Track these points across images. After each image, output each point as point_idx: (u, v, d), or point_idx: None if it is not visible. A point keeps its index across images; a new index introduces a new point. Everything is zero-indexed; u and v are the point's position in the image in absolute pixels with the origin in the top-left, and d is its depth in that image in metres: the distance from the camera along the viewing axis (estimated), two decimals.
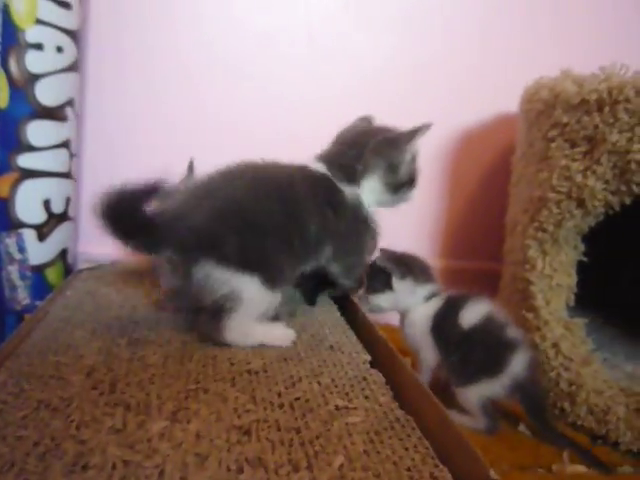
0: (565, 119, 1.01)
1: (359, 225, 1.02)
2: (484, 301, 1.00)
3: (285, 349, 0.91)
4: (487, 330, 0.97)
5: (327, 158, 1.03)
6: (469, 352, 0.96)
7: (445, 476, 0.62)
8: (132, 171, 0.78)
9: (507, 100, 1.37)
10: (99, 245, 1.32)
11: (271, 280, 0.90)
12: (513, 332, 0.97)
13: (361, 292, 1.07)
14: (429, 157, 1.52)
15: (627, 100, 0.91)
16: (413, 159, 1.03)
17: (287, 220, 0.94)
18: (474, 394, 0.95)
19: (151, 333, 0.92)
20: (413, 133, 0.99)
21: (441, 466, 0.63)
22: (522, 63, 1.44)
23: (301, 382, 0.80)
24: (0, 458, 0.57)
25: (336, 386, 0.80)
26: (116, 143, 1.37)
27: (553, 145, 1.04)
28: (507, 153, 1.38)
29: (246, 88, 1.42)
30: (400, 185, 1.02)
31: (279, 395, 0.76)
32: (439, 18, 1.49)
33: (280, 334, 0.95)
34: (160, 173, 0.81)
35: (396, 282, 1.01)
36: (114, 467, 0.58)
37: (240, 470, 0.59)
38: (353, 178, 1.01)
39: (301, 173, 0.99)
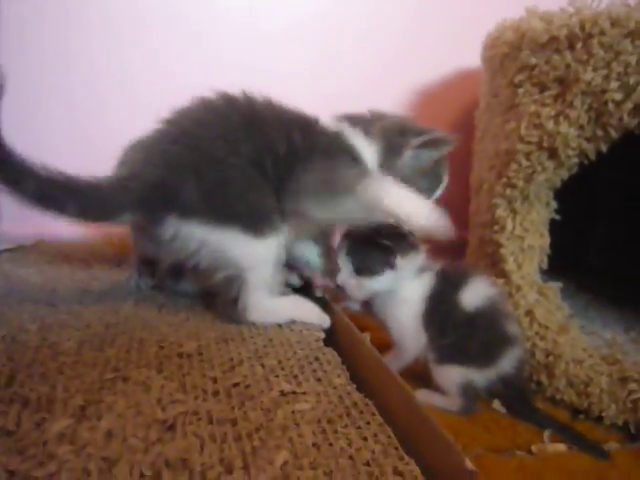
0: (533, 60, 0.91)
1: (338, 155, 0.86)
2: (485, 280, 0.90)
3: (226, 329, 0.80)
4: (489, 318, 0.87)
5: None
6: (465, 335, 0.86)
7: (412, 469, 0.51)
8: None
9: (466, 54, 1.27)
10: (22, 225, 1.19)
11: (254, 224, 0.78)
12: (513, 326, 0.88)
13: (337, 279, 0.89)
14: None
15: (602, 33, 0.81)
16: (417, 166, 0.89)
17: (252, 147, 0.80)
18: (457, 375, 0.86)
19: (70, 317, 0.80)
20: (430, 142, 0.87)
21: (407, 458, 0.53)
22: (480, 13, 1.33)
23: (242, 365, 0.69)
24: None
25: (282, 368, 0.69)
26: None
27: (520, 91, 0.93)
28: (469, 111, 1.28)
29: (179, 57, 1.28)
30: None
31: (214, 381, 0.65)
32: None
33: (312, 309, 0.86)
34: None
35: (401, 259, 0.86)
36: None
37: (157, 476, 0.48)
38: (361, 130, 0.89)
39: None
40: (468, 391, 0.86)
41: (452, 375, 0.86)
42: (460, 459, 0.50)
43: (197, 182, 0.76)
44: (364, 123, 0.89)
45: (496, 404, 0.89)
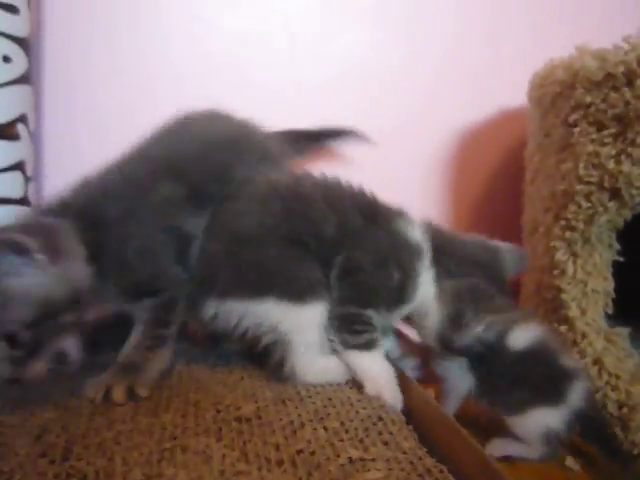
0: (588, 99, 0.88)
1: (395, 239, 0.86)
2: (532, 320, 0.86)
3: (282, 388, 0.77)
4: (542, 355, 0.83)
5: None
6: (520, 377, 0.81)
7: None
8: None
9: (508, 95, 1.26)
10: None
11: (290, 292, 0.79)
12: (570, 360, 0.84)
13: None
14: (427, 162, 1.39)
15: None
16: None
17: (291, 228, 0.83)
18: (534, 421, 0.81)
19: None
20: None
21: None
22: (523, 55, 1.31)
23: (303, 429, 0.65)
24: None
25: (347, 431, 0.66)
26: (81, 163, 1.23)
27: (576, 130, 0.90)
28: (514, 151, 1.26)
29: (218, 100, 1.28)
30: None
31: (277, 448, 0.61)
32: (427, 10, 1.37)
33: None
34: None
35: None
36: None
37: None
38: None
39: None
40: (549, 436, 0.81)
41: (532, 423, 0.81)
42: None
43: (232, 267, 0.80)
44: (440, 259, 0.88)
45: (569, 461, 0.84)
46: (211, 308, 0.80)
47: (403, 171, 1.35)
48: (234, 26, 1.27)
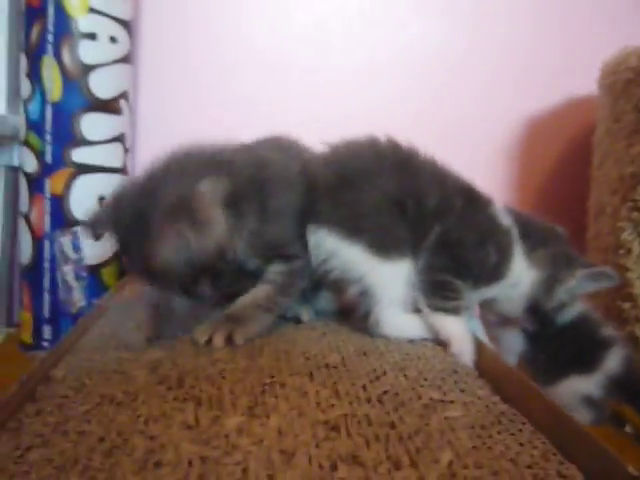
0: None
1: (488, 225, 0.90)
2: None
3: (363, 343, 0.83)
4: (581, 327, 0.90)
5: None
6: (558, 349, 0.88)
7: (574, 474, 0.52)
8: None
9: (574, 83, 1.29)
10: None
11: (379, 244, 0.83)
12: (607, 330, 0.90)
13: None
14: (495, 148, 1.44)
15: None
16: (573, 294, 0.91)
17: (396, 186, 0.86)
18: (570, 389, 0.87)
19: None
20: (596, 275, 0.90)
21: (567, 463, 0.54)
22: (591, 44, 1.34)
23: (386, 375, 0.72)
24: (62, 454, 0.50)
25: (425, 379, 0.72)
26: (171, 138, 1.32)
27: None
28: (580, 138, 1.29)
29: (297, 80, 1.35)
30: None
31: (364, 389, 0.68)
32: (503, 4, 1.41)
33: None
34: None
35: None
36: (190, 464, 0.50)
37: (334, 467, 0.51)
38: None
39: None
40: (590, 401, 0.86)
41: (566, 391, 0.87)
42: (620, 465, 0.51)
43: (332, 197, 0.85)
44: (527, 234, 0.92)
45: (628, 428, 0.88)
46: (309, 233, 0.85)
47: (469, 157, 1.40)
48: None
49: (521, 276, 0.90)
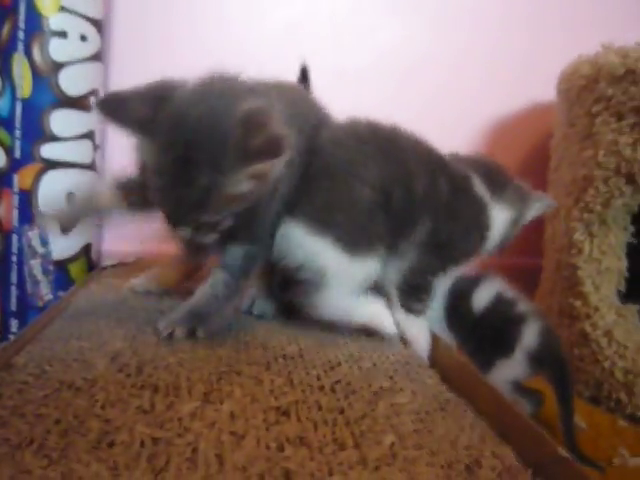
0: (610, 92, 0.96)
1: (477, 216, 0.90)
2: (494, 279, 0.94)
3: (322, 335, 0.86)
4: (498, 308, 0.90)
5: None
6: (482, 335, 0.90)
7: (509, 455, 0.56)
8: None
9: (538, 89, 1.33)
10: (124, 243, 1.29)
11: (347, 240, 0.80)
12: (522, 305, 0.90)
13: None
14: (459, 150, 1.47)
15: None
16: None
17: (379, 174, 0.82)
18: (498, 379, 0.87)
19: None
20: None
21: (503, 445, 0.58)
22: (553, 52, 1.39)
23: (341, 366, 0.75)
24: (18, 434, 0.52)
25: (378, 370, 0.75)
26: None
27: (598, 120, 0.98)
28: (541, 142, 1.33)
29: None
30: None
31: (318, 378, 0.71)
32: (468, 9, 1.45)
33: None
34: None
35: None
36: (142, 444, 0.53)
37: (281, 448, 0.54)
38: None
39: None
40: (518, 386, 0.88)
41: (497, 380, 0.86)
42: (553, 448, 0.55)
43: (306, 187, 0.81)
44: (490, 181, 0.92)
45: (576, 419, 0.92)
46: (281, 225, 0.81)
47: None
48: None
49: (496, 227, 0.91)
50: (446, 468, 0.53)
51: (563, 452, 0.54)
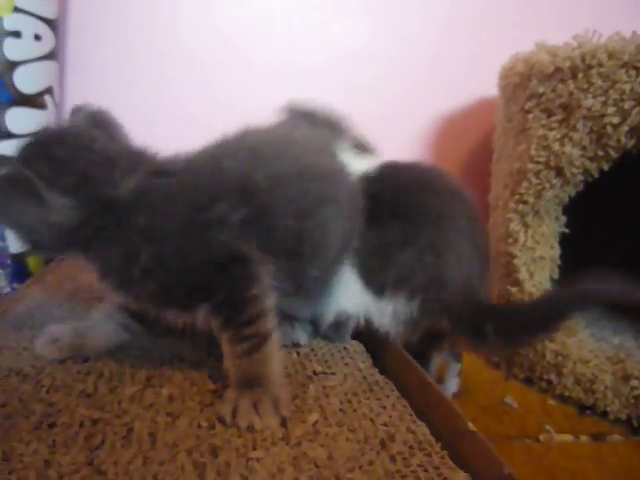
0: (541, 89, 1.01)
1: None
2: None
3: None
4: None
5: None
6: None
7: (422, 430, 0.61)
8: None
9: (485, 84, 1.38)
10: None
11: None
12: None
13: None
14: (410, 143, 1.52)
15: (600, 64, 0.91)
16: None
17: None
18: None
19: None
20: None
21: (419, 422, 0.63)
22: (497, 47, 1.44)
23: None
24: None
25: (315, 355, 0.80)
26: None
27: (530, 116, 1.03)
28: (487, 136, 1.38)
29: (222, 81, 1.41)
30: None
31: None
32: (416, 3, 1.49)
33: None
34: None
35: None
36: (81, 425, 0.57)
37: (212, 427, 0.59)
38: None
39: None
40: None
41: None
42: (464, 422, 0.60)
43: None
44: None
45: (508, 399, 0.98)
46: None
47: (386, 153, 1.49)
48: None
49: None
50: (362, 442, 0.58)
51: (472, 426, 0.59)
